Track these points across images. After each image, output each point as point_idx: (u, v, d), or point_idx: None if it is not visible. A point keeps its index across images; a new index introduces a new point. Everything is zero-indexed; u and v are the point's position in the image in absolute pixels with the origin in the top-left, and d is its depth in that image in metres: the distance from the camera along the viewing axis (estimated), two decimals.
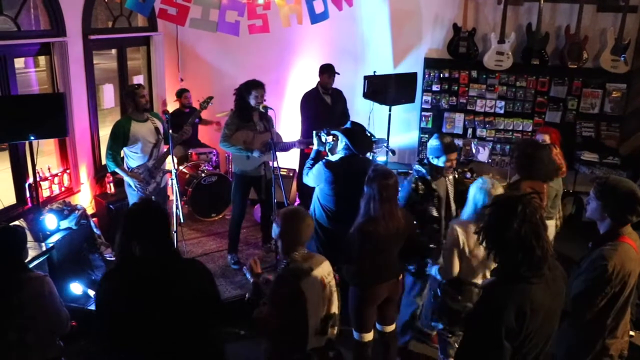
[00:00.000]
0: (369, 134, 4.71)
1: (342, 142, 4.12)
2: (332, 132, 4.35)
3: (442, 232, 3.94)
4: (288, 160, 6.54)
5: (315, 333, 2.75)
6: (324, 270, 2.83)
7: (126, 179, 4.78)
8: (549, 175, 4.12)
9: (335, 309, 2.88)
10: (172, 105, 7.13)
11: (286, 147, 5.35)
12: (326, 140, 4.36)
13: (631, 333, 3.54)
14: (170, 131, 4.71)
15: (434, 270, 3.66)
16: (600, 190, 2.78)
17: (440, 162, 3.90)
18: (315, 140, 4.41)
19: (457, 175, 4.19)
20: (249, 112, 4.96)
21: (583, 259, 2.84)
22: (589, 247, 2.87)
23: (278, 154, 5.02)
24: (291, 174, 6.72)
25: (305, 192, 6.34)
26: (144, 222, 2.45)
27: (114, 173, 5.62)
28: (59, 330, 3.04)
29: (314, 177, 4.16)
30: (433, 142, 3.93)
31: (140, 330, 2.40)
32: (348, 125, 4.26)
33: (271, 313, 2.64)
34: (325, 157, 4.30)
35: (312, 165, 4.25)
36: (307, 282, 2.67)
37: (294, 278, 2.66)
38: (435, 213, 3.95)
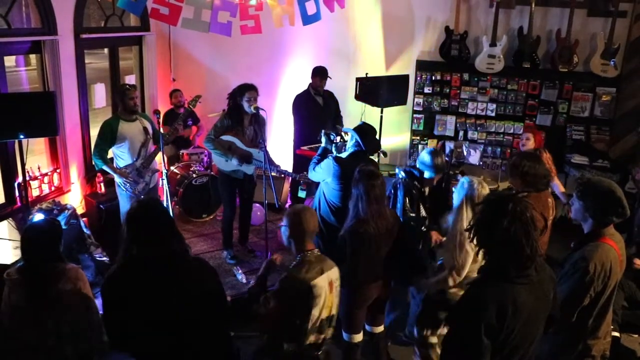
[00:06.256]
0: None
1: (352, 139, 4.19)
2: (344, 129, 4.47)
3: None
4: (281, 162, 6.54)
5: (314, 331, 2.82)
6: (334, 274, 2.89)
7: (114, 176, 4.77)
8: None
9: (335, 310, 2.93)
10: (165, 106, 7.10)
11: (268, 166, 4.91)
12: (334, 139, 4.45)
13: (616, 334, 3.56)
14: (161, 130, 4.70)
15: None
16: (582, 190, 2.80)
17: (426, 175, 4.12)
18: (323, 139, 4.47)
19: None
20: (240, 115, 4.96)
21: (565, 260, 2.85)
22: (571, 247, 2.88)
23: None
24: (282, 176, 6.71)
25: (298, 193, 6.37)
26: (144, 225, 2.47)
27: (102, 172, 5.62)
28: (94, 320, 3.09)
29: (322, 171, 4.21)
30: (425, 157, 4.08)
31: (148, 330, 2.42)
32: (360, 123, 4.36)
33: (276, 308, 2.70)
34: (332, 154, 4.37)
35: (319, 161, 4.31)
36: (319, 282, 2.74)
37: (306, 276, 2.72)
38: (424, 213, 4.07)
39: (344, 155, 4.24)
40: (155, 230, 2.46)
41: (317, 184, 4.44)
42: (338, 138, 4.47)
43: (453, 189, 3.73)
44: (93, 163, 4.97)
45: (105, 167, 4.72)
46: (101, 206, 5.65)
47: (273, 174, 5.39)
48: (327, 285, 2.81)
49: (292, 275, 2.76)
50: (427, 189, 4.23)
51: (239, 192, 5.37)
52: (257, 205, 6.28)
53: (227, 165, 5.06)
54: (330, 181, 4.12)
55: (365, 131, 4.19)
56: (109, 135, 4.64)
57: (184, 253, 2.56)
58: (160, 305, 2.40)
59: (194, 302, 2.47)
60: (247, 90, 4.85)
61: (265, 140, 5.04)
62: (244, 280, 5.02)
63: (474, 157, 6.91)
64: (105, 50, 6.84)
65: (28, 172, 5.16)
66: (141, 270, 2.44)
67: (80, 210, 5.78)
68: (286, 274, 2.79)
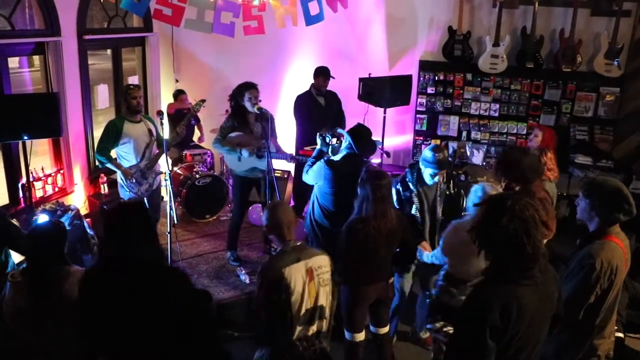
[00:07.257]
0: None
1: (346, 141, 4.12)
2: (338, 131, 4.39)
3: (426, 233, 4.05)
4: (282, 162, 6.54)
5: (301, 322, 2.84)
6: (315, 262, 2.89)
7: (117, 174, 4.78)
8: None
9: (324, 302, 2.90)
10: (167, 106, 7.11)
11: (279, 156, 5.14)
12: (330, 141, 4.38)
13: (620, 335, 3.55)
14: (166, 133, 4.70)
15: (426, 257, 3.76)
16: (588, 189, 2.80)
17: (427, 173, 3.94)
18: (318, 141, 4.41)
19: (452, 191, 4.24)
20: (244, 115, 4.94)
21: (571, 258, 2.84)
22: (577, 244, 2.87)
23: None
24: (285, 176, 6.72)
25: (301, 193, 6.36)
26: (115, 227, 2.49)
27: (105, 170, 5.62)
28: None
29: (314, 174, 4.15)
30: (427, 154, 3.93)
31: (114, 335, 2.41)
32: (355, 125, 4.27)
33: (258, 295, 2.87)
34: (327, 157, 4.30)
35: (313, 163, 4.24)
36: (292, 270, 2.79)
37: (279, 264, 2.81)
38: (414, 212, 4.01)
39: (336, 158, 4.17)
40: (126, 234, 2.45)
41: None
42: (334, 140, 4.36)
43: (462, 191, 3.71)
44: (97, 162, 4.97)
45: (108, 165, 4.72)
46: (104, 207, 5.66)
47: (278, 173, 5.33)
48: (305, 273, 2.83)
49: (266, 264, 2.90)
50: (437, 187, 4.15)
51: (258, 194, 5.29)
52: (259, 205, 6.28)
53: (241, 166, 5.02)
54: (322, 184, 4.07)
55: (359, 134, 4.10)
56: (112, 135, 4.65)
57: (155, 262, 2.54)
58: (124, 310, 2.39)
59: (156, 311, 2.42)
60: (246, 89, 4.83)
61: (276, 136, 5.06)
62: (247, 281, 5.02)
63: (477, 158, 6.90)
64: (108, 51, 6.86)
65: (32, 173, 5.18)
66: (109, 273, 2.45)
67: (83, 210, 5.79)
68: (263, 264, 2.96)
